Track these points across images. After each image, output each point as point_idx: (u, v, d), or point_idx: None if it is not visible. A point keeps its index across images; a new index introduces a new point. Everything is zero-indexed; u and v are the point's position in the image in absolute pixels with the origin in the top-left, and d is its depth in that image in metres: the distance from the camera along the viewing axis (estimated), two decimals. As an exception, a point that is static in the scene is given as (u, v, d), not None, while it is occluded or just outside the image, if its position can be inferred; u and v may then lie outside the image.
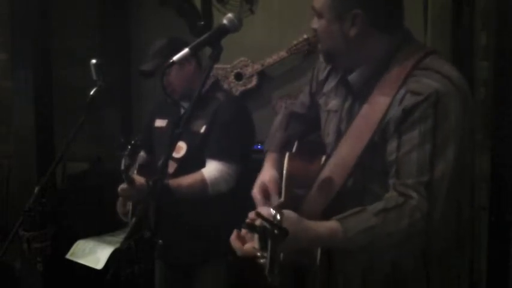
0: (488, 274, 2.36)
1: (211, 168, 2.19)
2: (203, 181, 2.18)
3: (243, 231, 1.37)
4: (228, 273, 2.28)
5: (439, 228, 1.32)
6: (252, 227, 1.21)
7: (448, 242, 1.39)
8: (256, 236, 1.23)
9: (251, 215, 1.34)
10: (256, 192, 1.65)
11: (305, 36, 3.10)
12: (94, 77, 2.05)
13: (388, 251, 1.35)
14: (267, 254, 1.16)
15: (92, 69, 2.05)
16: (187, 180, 2.18)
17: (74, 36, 3.65)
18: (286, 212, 1.23)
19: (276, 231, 1.13)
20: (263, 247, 1.18)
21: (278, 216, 1.15)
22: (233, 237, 1.37)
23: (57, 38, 3.55)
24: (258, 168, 1.83)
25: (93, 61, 2.05)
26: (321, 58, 1.64)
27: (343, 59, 1.49)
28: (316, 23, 1.48)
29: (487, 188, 2.38)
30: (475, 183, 2.45)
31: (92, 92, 2.04)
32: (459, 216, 1.38)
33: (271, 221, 1.14)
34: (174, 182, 2.14)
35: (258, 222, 1.20)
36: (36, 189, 2.06)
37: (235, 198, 2.18)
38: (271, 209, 1.17)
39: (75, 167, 3.51)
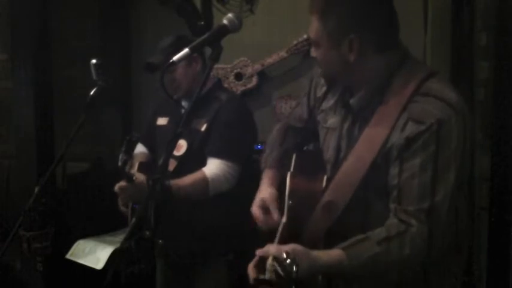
0: (488, 274, 2.36)
1: (213, 167, 2.20)
2: (204, 179, 2.18)
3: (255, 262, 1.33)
4: (228, 273, 2.28)
5: (441, 244, 1.35)
6: (266, 282, 1.18)
7: (447, 247, 1.40)
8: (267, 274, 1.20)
9: (260, 252, 1.31)
10: (255, 209, 1.66)
11: (305, 36, 3.10)
12: (94, 77, 2.05)
13: (391, 276, 1.38)
14: None
15: (92, 69, 2.05)
16: (188, 179, 2.18)
17: (74, 36, 3.65)
18: (293, 246, 1.24)
19: (293, 287, 1.12)
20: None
21: (295, 268, 1.13)
22: (251, 266, 1.35)
23: (57, 37, 3.55)
24: (258, 168, 1.83)
25: (93, 61, 2.05)
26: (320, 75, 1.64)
27: (344, 81, 1.51)
28: (314, 52, 1.50)
29: (487, 188, 2.38)
30: (475, 183, 2.44)
31: (92, 92, 2.04)
32: (457, 221, 1.39)
33: (289, 274, 1.12)
34: (175, 184, 2.14)
35: (269, 264, 1.18)
36: (36, 189, 2.06)
37: (235, 198, 2.19)
38: (284, 254, 1.16)
39: (75, 167, 3.51)
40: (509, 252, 2.26)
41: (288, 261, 1.14)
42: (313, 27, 1.44)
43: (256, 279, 1.22)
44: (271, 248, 1.28)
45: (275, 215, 1.60)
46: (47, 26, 3.43)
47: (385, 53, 1.43)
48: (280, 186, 1.68)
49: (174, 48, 2.22)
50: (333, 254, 1.31)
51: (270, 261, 1.18)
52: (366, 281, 1.44)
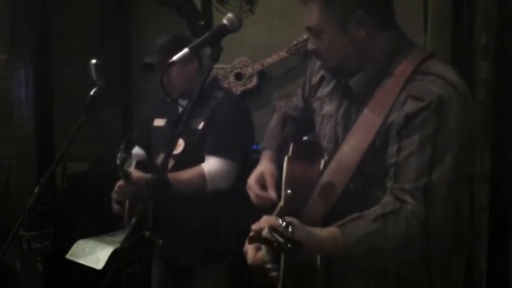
0: (488, 274, 2.36)
1: (211, 164, 2.20)
2: (202, 176, 2.18)
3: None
4: (228, 274, 2.28)
5: (438, 231, 1.33)
6: (262, 240, 1.16)
7: (448, 243, 1.39)
8: (264, 246, 1.19)
9: (255, 226, 1.29)
10: (252, 181, 1.65)
11: (305, 36, 3.10)
12: (94, 77, 2.06)
13: (387, 256, 1.35)
14: (281, 268, 1.13)
15: (92, 69, 2.05)
16: (186, 174, 2.19)
17: (74, 36, 3.65)
18: (290, 219, 1.22)
19: (289, 245, 1.10)
20: (274, 259, 1.15)
21: (290, 229, 1.12)
22: (248, 241, 1.32)
23: (57, 37, 3.56)
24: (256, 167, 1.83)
25: (93, 61, 2.05)
26: (318, 65, 1.62)
27: (351, 67, 1.45)
28: (314, 43, 1.45)
29: (487, 188, 2.38)
30: (475, 183, 2.44)
31: (92, 92, 2.04)
32: (458, 217, 1.38)
33: (285, 236, 1.10)
34: (173, 176, 2.15)
35: (265, 232, 1.17)
36: (36, 189, 2.06)
37: (234, 198, 2.19)
38: (280, 220, 1.15)
39: (75, 167, 3.52)
40: (509, 252, 2.26)
41: (283, 224, 1.12)
42: (314, 15, 1.41)
43: (252, 238, 1.18)
44: (267, 218, 1.25)
45: (271, 192, 1.59)
46: (47, 26, 3.44)
47: (387, 31, 1.43)
48: (279, 169, 1.66)
49: (171, 47, 2.22)
50: (328, 231, 1.30)
51: (265, 230, 1.16)
52: (367, 273, 1.44)
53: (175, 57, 1.45)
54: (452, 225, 1.37)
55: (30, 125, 3.37)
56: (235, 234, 2.26)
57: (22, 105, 3.39)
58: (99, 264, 2.73)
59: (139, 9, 3.73)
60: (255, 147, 2.46)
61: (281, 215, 1.52)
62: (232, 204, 2.22)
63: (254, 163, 1.85)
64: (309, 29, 1.44)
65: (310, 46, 1.46)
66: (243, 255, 1.36)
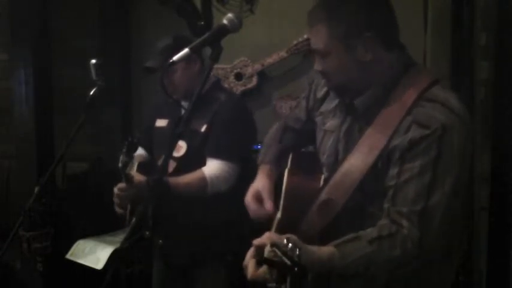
0: (488, 274, 2.36)
1: (212, 167, 2.20)
2: (203, 179, 2.18)
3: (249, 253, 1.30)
4: (227, 274, 2.28)
5: (432, 250, 1.35)
6: (268, 262, 1.11)
7: (445, 250, 1.40)
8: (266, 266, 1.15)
9: (256, 242, 1.28)
10: (249, 199, 1.66)
11: (305, 36, 3.10)
12: (94, 77, 2.05)
13: (382, 277, 1.36)
14: None
15: (92, 69, 2.05)
16: (187, 178, 2.19)
17: (74, 36, 3.65)
18: (291, 235, 1.21)
19: (296, 269, 1.07)
20: (278, 280, 1.11)
21: (297, 251, 1.09)
22: (248, 256, 1.32)
23: (57, 37, 3.56)
24: (257, 168, 1.83)
25: (93, 61, 2.05)
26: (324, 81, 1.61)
27: (357, 87, 1.46)
28: (321, 65, 1.46)
29: (487, 188, 2.38)
30: (475, 183, 2.45)
31: (92, 92, 2.04)
32: (455, 226, 1.40)
33: (293, 259, 1.08)
34: (173, 180, 2.15)
35: (268, 250, 1.15)
36: (36, 189, 2.06)
37: (234, 199, 2.18)
38: (284, 240, 1.12)
39: (75, 167, 3.52)
40: (509, 252, 2.26)
41: (290, 245, 1.10)
42: (320, 37, 1.42)
43: (263, 259, 1.13)
44: (269, 235, 1.25)
45: (268, 204, 1.60)
46: (47, 26, 3.44)
47: (392, 52, 1.43)
48: (276, 182, 1.67)
49: (173, 49, 2.22)
50: (325, 251, 1.31)
51: (268, 247, 1.15)
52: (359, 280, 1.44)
53: (175, 57, 1.46)
54: (448, 236, 1.38)
55: (30, 125, 3.37)
56: (235, 235, 2.26)
57: (22, 105, 3.39)
58: (99, 264, 2.73)
59: (139, 9, 3.73)
60: (256, 147, 2.46)
61: (279, 227, 1.53)
62: (232, 205, 2.21)
63: (255, 163, 1.85)
64: (315, 51, 1.45)
65: (318, 67, 1.48)
66: (242, 256, 1.36)
